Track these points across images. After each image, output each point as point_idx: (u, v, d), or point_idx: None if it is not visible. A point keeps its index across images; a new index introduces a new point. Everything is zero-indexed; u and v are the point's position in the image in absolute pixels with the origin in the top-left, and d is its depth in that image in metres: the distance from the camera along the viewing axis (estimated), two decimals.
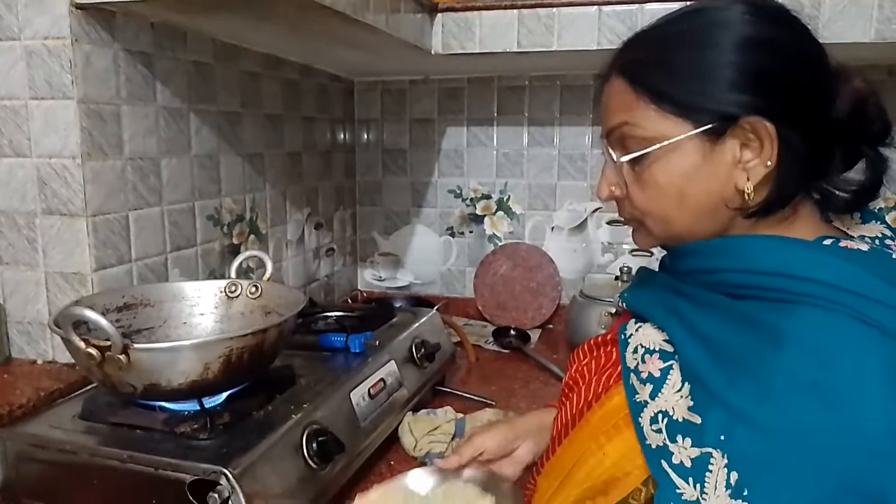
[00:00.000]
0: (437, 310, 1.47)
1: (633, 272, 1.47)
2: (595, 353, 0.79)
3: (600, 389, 0.74)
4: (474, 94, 1.84)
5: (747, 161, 0.60)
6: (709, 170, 0.61)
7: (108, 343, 0.76)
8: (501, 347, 1.63)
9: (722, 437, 0.55)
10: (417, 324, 1.34)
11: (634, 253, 1.78)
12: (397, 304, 1.82)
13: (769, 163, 0.59)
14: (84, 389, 0.98)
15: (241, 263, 1.12)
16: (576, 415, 0.75)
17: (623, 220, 0.71)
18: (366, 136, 1.95)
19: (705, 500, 0.55)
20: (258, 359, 0.88)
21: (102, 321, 0.74)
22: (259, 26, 1.18)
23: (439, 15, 1.41)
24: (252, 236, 1.43)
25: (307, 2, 0.93)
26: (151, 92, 1.12)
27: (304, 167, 1.65)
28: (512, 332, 1.68)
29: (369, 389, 1.07)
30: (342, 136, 1.88)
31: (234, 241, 1.37)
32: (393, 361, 1.16)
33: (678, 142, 0.61)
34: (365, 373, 1.08)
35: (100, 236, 1.02)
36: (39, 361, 1.05)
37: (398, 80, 1.88)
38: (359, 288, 1.99)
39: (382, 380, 1.11)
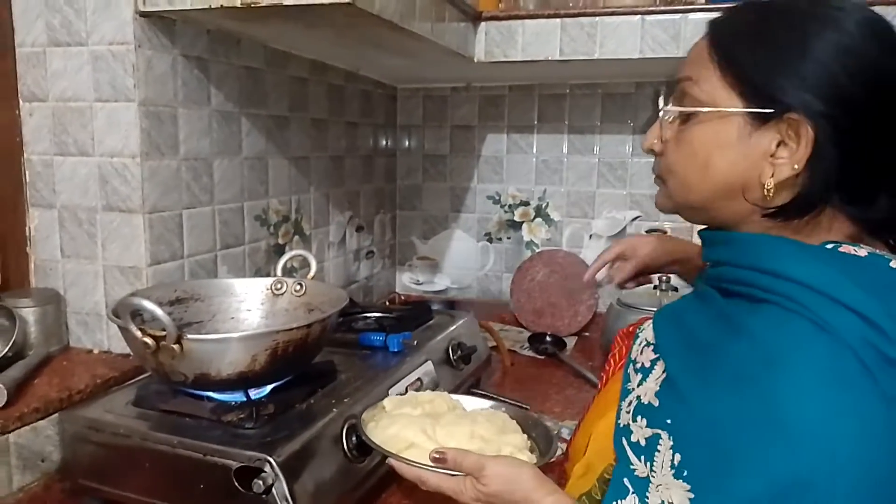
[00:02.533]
0: (473, 314, 1.49)
1: (671, 281, 1.47)
2: (620, 345, 0.82)
3: (609, 375, 0.78)
4: (515, 102, 1.86)
5: (779, 157, 0.60)
6: (740, 151, 0.62)
7: (164, 333, 0.80)
8: (537, 353, 1.64)
9: (669, 421, 0.58)
10: (454, 326, 1.36)
11: None
12: (434, 307, 1.85)
13: (796, 166, 0.59)
14: (137, 378, 1.02)
15: (286, 262, 1.16)
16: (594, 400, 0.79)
17: (654, 177, 0.73)
18: (407, 142, 1.98)
19: (654, 477, 0.58)
20: (302, 353, 0.92)
21: (159, 311, 0.79)
22: (308, 33, 1.22)
23: (483, 23, 1.43)
24: (297, 237, 1.47)
25: (356, 10, 0.96)
26: (206, 95, 1.17)
27: (346, 171, 1.69)
28: (548, 338, 1.69)
29: (406, 388, 1.09)
30: (384, 141, 1.92)
31: (280, 240, 1.41)
32: (430, 362, 1.19)
33: (726, 113, 0.62)
34: (403, 371, 1.11)
35: (155, 232, 1.07)
36: (95, 351, 1.11)
37: (440, 87, 1.91)
38: (396, 291, 2.02)
39: (419, 379, 1.14)
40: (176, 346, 0.81)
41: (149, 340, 0.81)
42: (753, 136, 0.61)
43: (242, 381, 0.88)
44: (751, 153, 0.62)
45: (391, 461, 0.76)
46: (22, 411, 0.87)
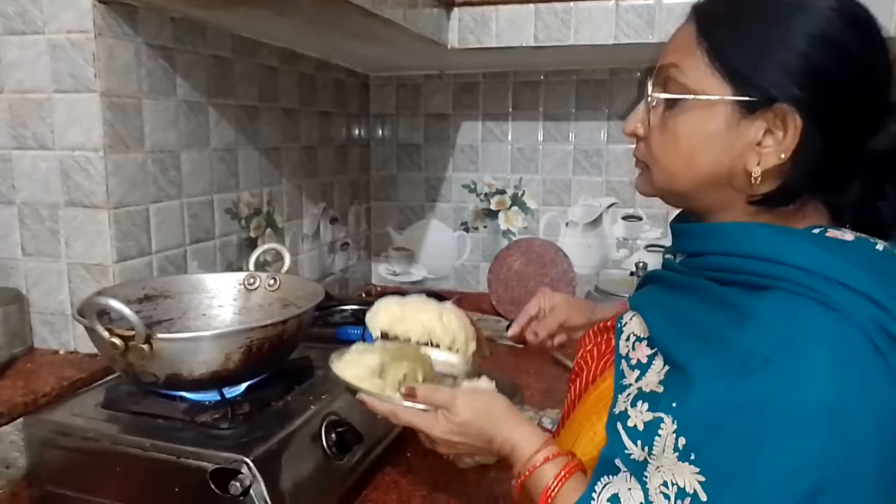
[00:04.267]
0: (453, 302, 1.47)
1: (649, 268, 1.47)
2: (597, 339, 0.81)
3: (598, 372, 0.76)
4: (489, 89, 1.84)
5: (765, 146, 0.60)
6: (727, 141, 0.61)
7: (132, 333, 0.78)
8: (515, 342, 1.63)
9: (674, 405, 0.57)
10: None
11: (650, 248, 1.78)
12: None
13: (783, 155, 0.59)
14: (106, 379, 0.99)
15: (258, 256, 1.13)
16: (576, 397, 0.78)
17: (635, 161, 0.72)
18: (380, 131, 1.96)
19: (653, 459, 0.57)
20: (278, 350, 0.89)
21: (126, 311, 0.76)
22: (277, 20, 1.19)
23: (456, 9, 1.41)
24: (269, 230, 1.44)
25: None
26: (172, 86, 1.13)
27: (319, 161, 1.66)
28: None
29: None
30: (357, 130, 1.89)
31: (252, 234, 1.38)
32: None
33: (713, 101, 0.61)
34: None
35: (121, 228, 1.04)
36: (62, 351, 1.07)
37: (413, 75, 1.89)
38: (373, 282, 2.00)
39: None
40: (145, 346, 0.78)
41: (117, 341, 0.78)
42: (741, 124, 0.61)
43: (216, 380, 0.86)
44: (737, 142, 0.61)
45: (362, 396, 0.76)
46: None
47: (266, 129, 1.42)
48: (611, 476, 0.60)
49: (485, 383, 0.79)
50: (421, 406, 0.73)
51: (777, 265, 0.57)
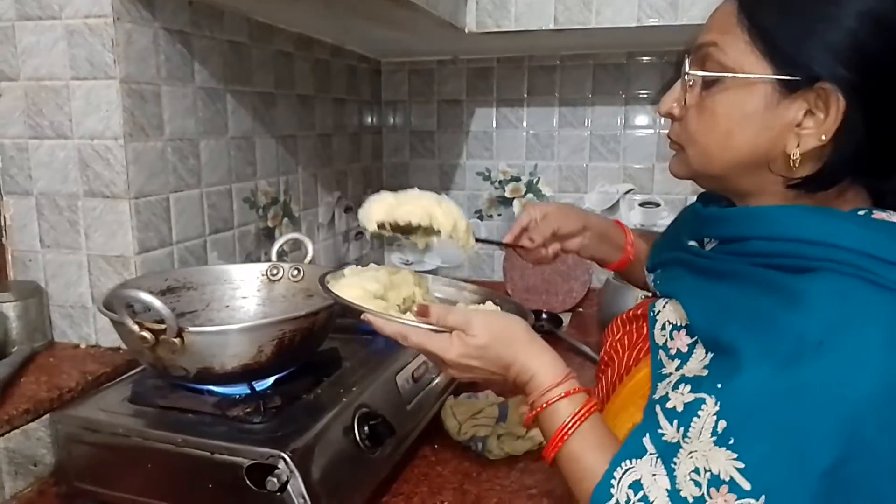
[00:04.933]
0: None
1: None
2: (627, 329, 0.79)
3: (631, 363, 0.74)
4: (504, 75, 1.81)
5: (805, 128, 0.58)
6: (766, 121, 0.60)
7: (163, 326, 0.75)
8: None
9: (719, 385, 0.55)
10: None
11: None
12: None
13: (823, 137, 0.57)
14: (130, 373, 0.97)
15: (280, 247, 1.11)
16: (610, 388, 0.75)
17: (669, 142, 0.70)
18: (393, 118, 1.93)
19: (687, 442, 0.55)
20: (309, 341, 0.87)
21: (157, 303, 0.73)
22: (294, 3, 1.16)
23: None
24: (286, 219, 1.42)
25: None
26: (190, 72, 1.11)
27: (334, 149, 1.63)
28: (544, 315, 1.66)
29: (413, 373, 1.05)
30: (369, 117, 1.86)
31: (269, 224, 1.36)
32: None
33: (752, 80, 0.59)
34: (408, 356, 1.07)
35: (142, 218, 1.01)
36: (82, 345, 1.05)
37: (426, 60, 1.86)
38: None
39: (425, 362, 1.10)
40: (177, 340, 0.76)
41: (147, 335, 0.76)
42: (781, 105, 0.59)
43: (247, 373, 0.84)
44: (776, 123, 0.59)
45: (368, 317, 0.69)
46: (11, 414, 0.81)
47: (282, 117, 1.39)
48: (633, 460, 0.58)
49: (492, 307, 0.77)
50: (433, 326, 0.67)
51: (827, 247, 0.56)
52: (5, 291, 1.00)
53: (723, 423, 0.53)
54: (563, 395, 0.64)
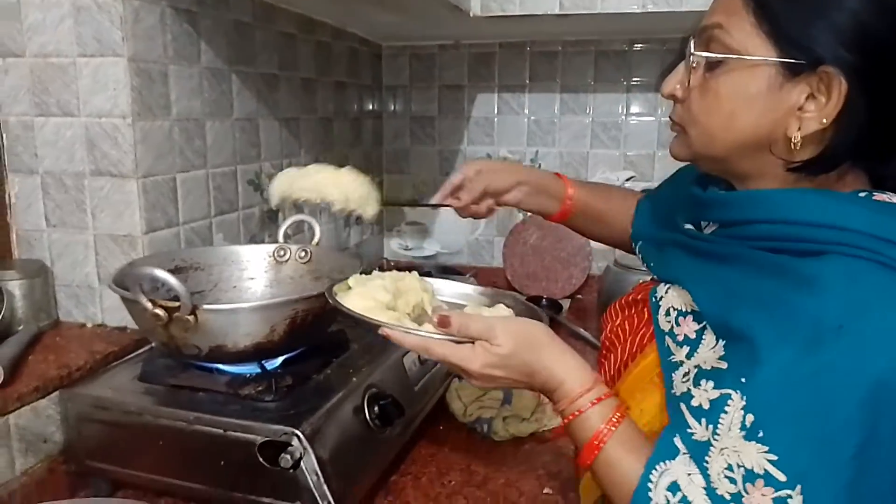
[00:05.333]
0: (472, 277, 1.46)
1: None
2: (627, 314, 0.79)
3: (635, 349, 0.74)
4: (506, 60, 1.81)
5: (806, 111, 0.59)
6: (768, 104, 0.60)
7: (177, 304, 0.75)
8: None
9: (743, 380, 0.55)
10: None
11: None
12: (427, 272, 1.82)
13: (825, 120, 0.58)
14: (138, 352, 0.97)
15: (287, 228, 1.11)
16: (615, 374, 0.76)
17: (670, 124, 0.70)
18: (393, 104, 1.92)
19: (717, 440, 0.55)
20: (320, 322, 0.87)
21: (173, 280, 0.73)
22: None
23: None
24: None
25: None
26: (196, 52, 1.10)
27: (335, 134, 1.63)
28: (544, 301, 1.67)
29: (419, 354, 1.06)
30: (370, 102, 1.85)
31: (273, 206, 1.35)
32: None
33: (756, 63, 0.59)
34: None
35: (150, 198, 1.01)
36: (88, 325, 1.05)
37: (428, 45, 1.85)
38: (385, 257, 1.98)
39: None
40: (190, 318, 0.76)
41: (160, 312, 0.76)
42: (784, 88, 0.59)
43: (258, 352, 0.84)
44: (778, 106, 0.60)
45: (386, 331, 0.66)
46: (21, 391, 0.81)
47: (285, 100, 1.38)
48: (667, 462, 0.57)
49: (504, 311, 0.77)
50: (455, 337, 0.66)
51: (835, 230, 0.56)
52: (10, 269, 0.99)
53: (750, 417, 0.53)
54: (594, 401, 0.63)
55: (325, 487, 0.75)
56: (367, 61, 1.81)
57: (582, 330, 1.50)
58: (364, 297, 0.73)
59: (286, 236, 1.12)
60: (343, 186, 0.91)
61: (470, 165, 0.94)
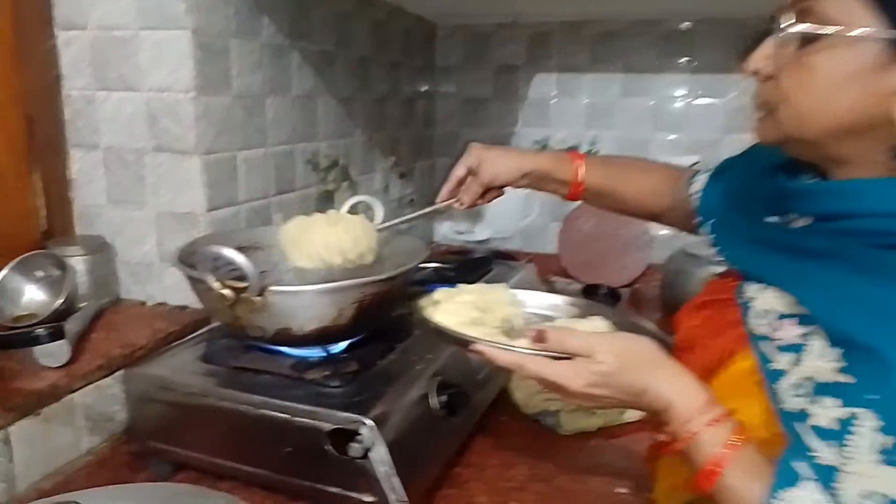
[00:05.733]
0: (527, 263, 1.42)
1: None
2: (706, 314, 0.72)
3: (722, 354, 0.67)
4: (565, 40, 1.74)
5: None
6: (869, 84, 0.53)
7: (244, 284, 0.73)
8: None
9: (873, 397, 0.49)
10: (516, 277, 1.29)
11: None
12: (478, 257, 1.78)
13: None
14: (199, 332, 0.95)
15: (349, 209, 1.08)
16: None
17: (755, 104, 0.63)
18: (445, 85, 1.87)
19: (847, 463, 0.49)
20: (386, 306, 0.84)
21: (242, 259, 0.71)
22: None
23: None
24: (345, 183, 1.38)
25: None
26: (258, 26, 1.07)
27: (388, 115, 1.59)
28: (603, 290, 1.62)
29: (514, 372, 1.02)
30: (422, 83, 1.81)
31: (330, 187, 1.32)
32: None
33: (861, 37, 0.53)
34: None
35: (212, 176, 0.98)
36: (149, 303, 1.03)
37: (484, 24, 1.79)
38: (435, 241, 1.95)
39: None
40: (258, 299, 0.73)
41: (227, 293, 0.73)
42: (889, 67, 0.52)
43: (323, 336, 0.81)
44: (879, 88, 0.53)
45: (480, 348, 0.63)
46: (86, 369, 0.80)
47: (342, 78, 1.35)
48: (791, 489, 0.52)
49: (601, 325, 0.72)
50: (553, 353, 0.61)
51: None
52: (73, 245, 0.98)
53: (890, 440, 0.47)
54: (708, 423, 0.58)
55: (395, 478, 0.72)
56: (421, 41, 1.76)
57: (646, 322, 1.44)
58: (453, 313, 0.71)
59: None
60: (340, 245, 0.87)
61: (472, 153, 0.90)
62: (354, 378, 0.81)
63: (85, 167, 1.02)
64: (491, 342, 0.64)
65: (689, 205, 0.84)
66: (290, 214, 1.16)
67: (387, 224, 0.94)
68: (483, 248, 1.87)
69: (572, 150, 1.43)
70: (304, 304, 0.77)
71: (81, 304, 0.96)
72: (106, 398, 0.84)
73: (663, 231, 1.70)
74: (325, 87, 1.28)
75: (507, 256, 1.75)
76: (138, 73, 0.96)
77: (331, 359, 0.83)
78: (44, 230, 0.99)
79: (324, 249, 0.86)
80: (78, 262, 0.96)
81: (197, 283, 0.77)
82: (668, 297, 1.50)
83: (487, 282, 1.22)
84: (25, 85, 0.95)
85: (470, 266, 1.32)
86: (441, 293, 0.76)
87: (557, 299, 0.83)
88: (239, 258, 0.71)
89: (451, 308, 0.72)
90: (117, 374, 0.84)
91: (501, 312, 0.73)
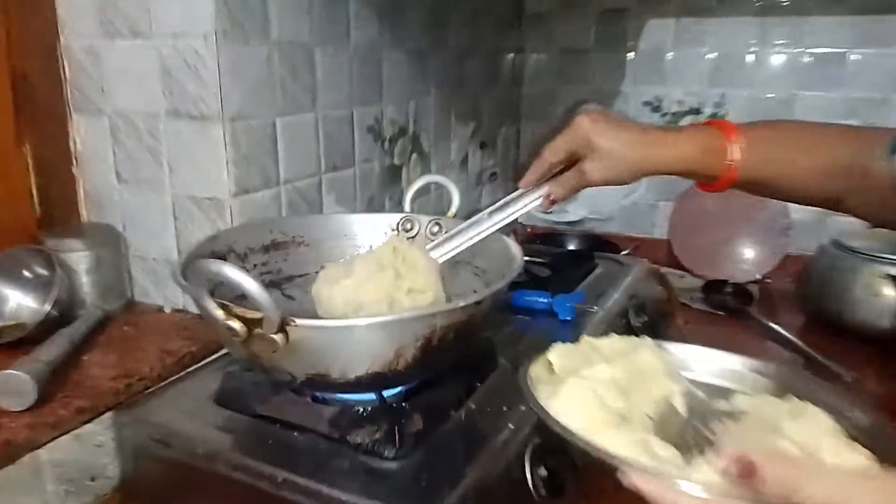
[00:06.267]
0: (632, 253, 1.14)
1: None
2: None
3: None
4: None
5: None
6: None
7: (259, 316, 0.50)
8: (712, 308, 1.28)
9: None
10: (629, 277, 1.01)
11: None
12: (571, 247, 1.51)
13: None
14: (221, 353, 0.74)
15: (416, 192, 0.83)
16: None
17: None
18: (536, 35, 1.58)
19: None
20: (463, 340, 0.59)
21: (252, 285, 0.47)
22: None
23: None
24: (415, 155, 1.14)
25: None
26: None
27: (467, 71, 1.32)
28: (728, 287, 1.31)
29: None
30: (509, 33, 1.52)
31: (396, 161, 1.08)
32: (613, 336, 0.84)
33: None
34: None
35: (240, 149, 0.76)
36: (167, 309, 0.83)
37: None
38: (520, 222, 1.67)
39: None
40: (278, 337, 0.50)
41: (236, 326, 0.51)
42: None
43: (374, 383, 0.57)
44: None
45: (634, 481, 0.39)
46: (58, 414, 0.59)
47: (412, 28, 1.09)
48: None
49: (820, 417, 0.45)
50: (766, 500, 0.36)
51: None
52: (74, 238, 0.78)
53: None
54: None
55: None
56: None
57: (786, 332, 1.14)
58: (580, 401, 0.46)
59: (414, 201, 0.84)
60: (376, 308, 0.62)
61: (580, 133, 0.62)
62: (419, 443, 0.57)
63: (90, 137, 0.81)
64: (656, 471, 0.39)
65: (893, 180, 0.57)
66: (345, 197, 0.93)
67: (450, 253, 0.68)
68: (576, 231, 1.59)
69: (716, 119, 1.13)
70: (346, 343, 0.53)
71: (83, 312, 0.76)
72: (89, 449, 0.63)
73: (804, 215, 1.37)
74: (390, 37, 1.03)
75: (607, 245, 1.47)
76: (148, 15, 0.73)
77: (386, 409, 0.59)
78: (39, 217, 0.79)
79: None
80: (77, 260, 0.76)
81: (200, 308, 0.54)
82: (813, 300, 1.19)
83: (593, 286, 0.96)
84: (14, 32, 0.74)
85: (567, 262, 1.06)
86: (558, 352, 0.52)
87: (735, 362, 0.56)
88: (246, 282, 0.47)
89: (577, 392, 0.47)
90: (106, 416, 0.64)
91: (655, 391, 0.48)
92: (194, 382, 0.68)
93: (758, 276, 1.39)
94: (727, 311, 1.26)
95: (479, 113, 1.39)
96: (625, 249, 1.46)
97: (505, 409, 0.63)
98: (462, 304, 0.54)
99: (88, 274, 0.78)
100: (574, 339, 0.80)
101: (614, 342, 0.56)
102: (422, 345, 0.54)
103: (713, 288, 1.32)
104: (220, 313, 0.51)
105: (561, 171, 0.65)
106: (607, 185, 0.63)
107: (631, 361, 0.52)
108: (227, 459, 0.57)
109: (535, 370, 0.53)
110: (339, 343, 0.53)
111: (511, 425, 0.60)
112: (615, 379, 0.49)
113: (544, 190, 0.65)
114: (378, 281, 0.62)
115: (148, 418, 0.62)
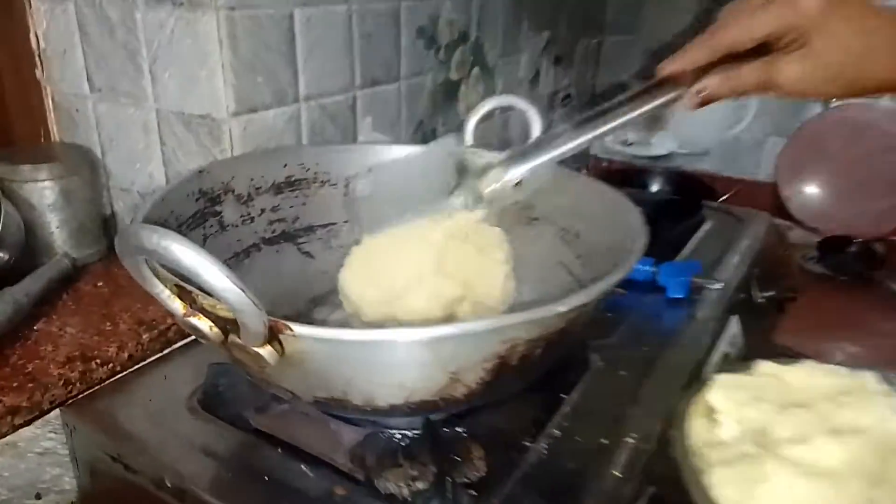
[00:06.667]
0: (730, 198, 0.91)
1: None
2: None
3: None
4: None
5: None
6: None
7: (231, 315, 0.30)
8: (831, 271, 1.04)
9: None
10: (748, 240, 0.79)
11: None
12: (654, 188, 1.27)
13: None
14: None
15: (482, 117, 0.62)
16: None
17: None
18: None
19: None
20: (555, 355, 0.39)
21: (215, 274, 0.27)
22: None
23: None
24: (476, 69, 0.91)
25: None
26: None
27: None
28: (852, 247, 1.08)
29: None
30: None
31: (453, 75, 0.85)
32: (736, 319, 0.63)
33: None
34: (698, 343, 0.57)
35: (242, 51, 0.55)
36: None
37: None
38: (594, 153, 1.44)
39: (726, 353, 0.60)
40: (265, 351, 0.31)
41: (203, 327, 0.32)
42: None
43: (418, 410, 0.38)
44: None
45: None
46: None
47: None
48: None
49: None
50: None
51: None
52: (39, 162, 0.59)
53: None
54: None
55: None
56: None
57: None
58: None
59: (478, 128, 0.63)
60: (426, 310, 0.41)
61: (737, 26, 0.39)
62: (481, 494, 0.38)
63: (55, 29, 0.62)
64: None
65: None
66: (386, 121, 0.72)
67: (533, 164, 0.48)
68: (661, 167, 1.35)
69: None
70: (374, 363, 0.33)
71: (45, 263, 0.59)
72: (29, 459, 0.46)
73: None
74: None
75: (704, 189, 1.23)
76: None
77: (433, 440, 0.41)
78: None
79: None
80: (41, 190, 0.58)
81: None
82: None
83: (703, 247, 0.75)
84: None
85: (666, 212, 0.84)
86: (725, 394, 0.32)
87: None
88: (205, 267, 0.27)
89: (786, 490, 0.27)
90: (53, 414, 0.47)
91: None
92: (176, 369, 0.51)
93: (883, 233, 1.15)
94: (849, 276, 1.03)
95: (555, 21, 1.14)
96: (723, 195, 1.21)
97: (599, 431, 0.44)
98: (562, 307, 0.33)
99: (54, 211, 0.60)
100: (688, 321, 0.60)
101: (813, 375, 0.36)
102: (494, 367, 0.34)
103: (832, 245, 1.08)
104: (176, 305, 0.32)
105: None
106: (801, 96, 0.41)
107: (860, 420, 0.31)
108: (203, 497, 0.39)
109: (695, 428, 0.33)
110: (363, 362, 0.33)
111: (616, 472, 0.41)
112: (851, 462, 0.29)
113: (699, 84, 0.43)
114: (434, 273, 0.42)
115: (103, 425, 0.45)
